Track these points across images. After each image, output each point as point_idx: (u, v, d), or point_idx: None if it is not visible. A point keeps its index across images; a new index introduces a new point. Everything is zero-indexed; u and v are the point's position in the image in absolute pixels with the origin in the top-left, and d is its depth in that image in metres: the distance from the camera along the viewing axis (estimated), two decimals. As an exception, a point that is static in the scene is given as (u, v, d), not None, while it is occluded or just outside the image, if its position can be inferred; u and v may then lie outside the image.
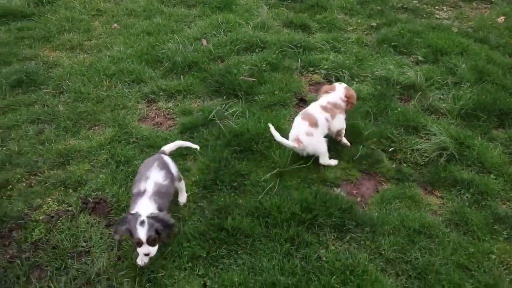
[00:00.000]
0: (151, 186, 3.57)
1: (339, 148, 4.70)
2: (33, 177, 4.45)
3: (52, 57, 6.37)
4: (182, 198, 4.13)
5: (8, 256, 3.74)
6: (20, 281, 3.54)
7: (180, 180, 4.01)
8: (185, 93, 5.49)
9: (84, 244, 3.79)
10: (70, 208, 4.10)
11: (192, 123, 4.95)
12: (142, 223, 3.29)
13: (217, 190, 4.23)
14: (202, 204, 4.12)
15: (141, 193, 3.54)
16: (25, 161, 4.60)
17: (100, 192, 4.23)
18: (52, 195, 4.25)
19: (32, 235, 3.88)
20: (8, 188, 4.33)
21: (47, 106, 5.36)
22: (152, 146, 4.69)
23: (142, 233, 3.27)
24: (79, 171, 4.46)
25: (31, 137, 4.92)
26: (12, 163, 4.59)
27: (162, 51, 6.19)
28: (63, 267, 3.63)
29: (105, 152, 4.63)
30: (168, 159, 3.93)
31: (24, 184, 4.37)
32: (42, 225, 3.96)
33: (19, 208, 4.11)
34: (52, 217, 4.02)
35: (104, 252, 3.72)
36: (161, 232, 3.36)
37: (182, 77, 5.74)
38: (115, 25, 7.14)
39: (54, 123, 5.09)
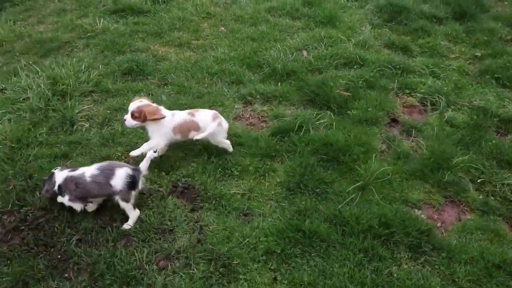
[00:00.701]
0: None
1: (426, 171, 4.69)
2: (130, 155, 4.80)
3: (161, 52, 6.81)
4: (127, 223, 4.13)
5: (101, 222, 4.10)
6: (109, 245, 3.87)
7: (123, 200, 4.04)
8: (281, 99, 5.68)
9: (169, 223, 4.07)
10: (161, 189, 4.41)
11: (284, 128, 5.12)
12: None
13: (300, 194, 4.37)
14: (283, 204, 4.28)
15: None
16: (126, 141, 4.99)
17: (189, 179, 4.51)
18: (146, 175, 4.56)
19: (125, 207, 4.23)
20: (107, 162, 4.73)
21: (151, 94, 5.75)
22: (242, 144, 4.91)
23: None
24: (174, 157, 4.76)
25: (135, 119, 5.31)
26: (115, 142, 4.99)
27: (264, 57, 6.44)
28: (147, 240, 3.93)
29: (199, 143, 4.90)
30: (122, 172, 4.00)
31: (123, 161, 4.73)
32: (135, 200, 4.29)
33: (115, 183, 4.47)
34: (144, 194, 4.34)
35: (186, 233, 3.97)
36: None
37: (279, 83, 5.94)
38: (222, 28, 7.50)
39: (157, 111, 5.45)
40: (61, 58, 6.65)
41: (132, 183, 3.99)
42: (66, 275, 3.69)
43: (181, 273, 3.66)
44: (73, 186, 4.02)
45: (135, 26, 7.56)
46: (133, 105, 4.49)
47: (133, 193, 4.04)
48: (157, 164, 4.64)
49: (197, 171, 4.57)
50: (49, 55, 6.93)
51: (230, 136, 4.96)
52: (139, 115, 4.45)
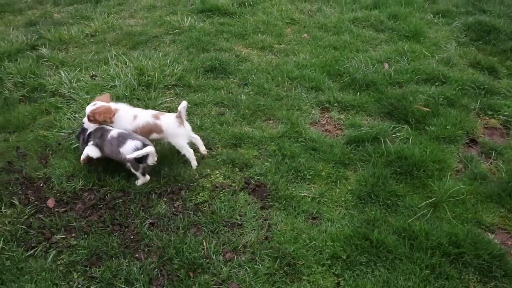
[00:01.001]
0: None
1: (503, 196, 4.55)
2: (207, 150, 4.95)
3: (244, 53, 6.98)
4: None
5: (174, 209, 4.27)
6: (179, 232, 4.02)
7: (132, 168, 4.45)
8: (358, 109, 5.68)
9: (238, 217, 4.17)
10: (233, 184, 4.53)
11: (359, 137, 5.12)
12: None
13: (370, 203, 4.36)
14: (352, 212, 4.28)
15: None
16: (204, 135, 5.14)
17: (262, 177, 4.60)
18: (220, 169, 4.72)
19: (197, 197, 4.39)
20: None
21: (231, 93, 5.91)
22: (316, 149, 4.96)
23: None
24: (248, 155, 4.88)
25: (213, 116, 5.48)
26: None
27: (344, 66, 6.45)
28: (216, 231, 4.05)
29: (274, 144, 4.99)
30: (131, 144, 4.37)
31: (199, 154, 4.89)
32: (207, 192, 4.44)
33: (191, 173, 4.65)
34: (217, 187, 4.48)
35: (254, 229, 4.06)
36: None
37: (358, 93, 5.94)
38: (305, 35, 7.58)
39: (235, 109, 5.60)
40: (149, 51, 6.95)
41: (140, 157, 4.35)
42: (137, 255, 3.86)
43: (246, 267, 3.74)
44: (99, 134, 4.52)
45: (221, 27, 7.79)
46: (88, 110, 4.65)
47: (141, 165, 4.43)
48: (232, 160, 4.78)
49: (270, 171, 4.65)
50: (137, 47, 7.26)
51: (305, 140, 5.04)
52: (93, 118, 4.60)
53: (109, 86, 5.99)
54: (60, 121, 5.48)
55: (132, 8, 9.00)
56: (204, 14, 8.32)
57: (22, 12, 9.23)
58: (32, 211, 4.32)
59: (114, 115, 4.59)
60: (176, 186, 4.51)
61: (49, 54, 7.07)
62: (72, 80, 6.24)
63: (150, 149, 4.35)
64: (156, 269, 3.72)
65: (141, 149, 4.30)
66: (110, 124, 4.65)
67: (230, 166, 4.75)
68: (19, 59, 6.97)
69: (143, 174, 4.51)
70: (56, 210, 4.32)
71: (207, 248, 3.86)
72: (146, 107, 5.51)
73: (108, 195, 4.43)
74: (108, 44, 7.45)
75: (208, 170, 4.69)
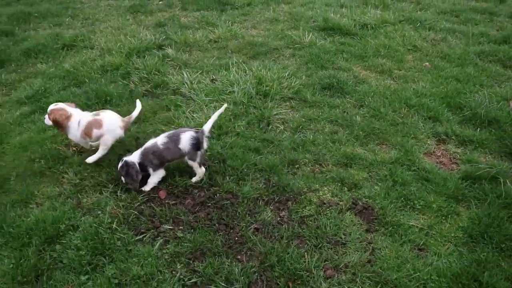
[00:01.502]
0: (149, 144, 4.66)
1: None
2: (317, 165, 4.98)
3: (362, 74, 6.94)
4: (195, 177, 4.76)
5: (279, 218, 4.32)
6: (283, 241, 4.05)
7: (191, 160, 4.64)
8: (477, 145, 5.43)
9: (343, 236, 4.13)
10: (340, 203, 4.49)
11: (476, 174, 4.88)
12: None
13: (482, 244, 4.14)
14: (462, 249, 4.08)
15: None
16: (315, 150, 5.17)
17: (370, 200, 4.52)
18: (329, 186, 4.70)
19: (303, 210, 4.40)
20: (296, 166, 4.95)
21: (346, 113, 5.89)
22: (429, 180, 4.80)
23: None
24: (358, 176, 4.83)
25: (325, 133, 5.49)
26: (304, 148, 5.21)
27: (466, 99, 6.20)
28: (319, 246, 4.03)
29: (385, 169, 4.90)
30: (186, 136, 4.60)
31: (309, 168, 4.93)
32: (314, 206, 4.44)
33: (299, 185, 4.68)
34: (324, 203, 4.47)
35: (357, 251, 3.99)
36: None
37: (478, 129, 5.68)
38: (427, 63, 7.39)
39: (348, 129, 5.58)
40: (268, 62, 7.11)
41: (197, 144, 4.56)
42: (239, 257, 3.93)
43: (346, 286, 3.69)
44: (151, 156, 4.58)
45: (341, 46, 7.81)
46: (49, 108, 4.98)
47: (199, 153, 4.61)
48: (341, 179, 4.76)
49: (379, 195, 4.57)
50: (257, 57, 7.45)
51: (418, 169, 4.91)
52: (50, 115, 4.93)
53: (228, 91, 6.19)
54: (179, 118, 5.74)
55: (255, 20, 9.25)
56: (325, 32, 8.39)
57: (153, 13, 9.84)
58: (145, 199, 4.55)
59: (66, 118, 4.89)
60: (284, 196, 4.56)
61: (173, 55, 7.45)
62: (193, 81, 6.53)
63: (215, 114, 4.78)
64: (256, 274, 3.77)
65: (196, 134, 4.61)
66: (61, 128, 4.98)
67: (339, 184, 4.73)
68: (146, 56, 7.42)
69: (200, 165, 4.67)
70: (166, 201, 4.52)
71: (308, 261, 3.86)
72: (262, 116, 5.64)
73: (217, 195, 4.56)
74: (230, 51, 7.71)
75: (317, 186, 4.70)
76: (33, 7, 10.39)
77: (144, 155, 4.60)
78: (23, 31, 9.19)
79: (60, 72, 7.23)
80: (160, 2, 10.55)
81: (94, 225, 4.20)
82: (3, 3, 10.96)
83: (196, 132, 4.64)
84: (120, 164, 4.58)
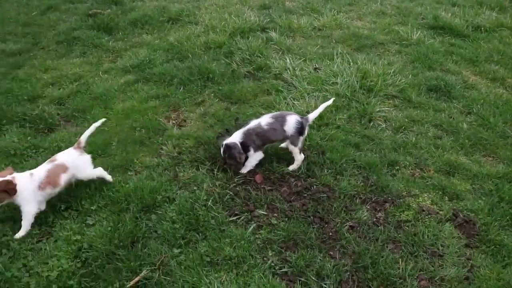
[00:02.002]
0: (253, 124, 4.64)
1: None
2: (418, 170, 4.81)
3: (472, 80, 6.59)
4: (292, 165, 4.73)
5: (375, 219, 4.21)
6: (377, 243, 3.95)
7: (292, 144, 4.61)
8: None
9: (440, 248, 3.96)
10: (440, 212, 4.31)
11: None
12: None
13: None
14: None
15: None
16: (417, 153, 5.01)
17: (472, 214, 4.30)
18: (429, 193, 4.52)
19: (400, 214, 4.27)
20: (396, 168, 4.80)
21: (452, 118, 5.64)
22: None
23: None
24: (460, 187, 4.61)
25: (429, 137, 5.29)
26: (405, 150, 5.06)
27: None
28: (415, 254, 3.89)
29: (491, 183, 4.65)
30: (292, 119, 4.57)
31: (409, 171, 4.77)
32: (412, 212, 4.29)
33: (398, 188, 4.53)
34: (423, 210, 4.31)
35: (454, 265, 3.81)
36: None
37: None
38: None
39: (453, 136, 5.33)
40: (373, 57, 6.92)
41: (300, 129, 4.54)
42: (332, 253, 3.86)
43: (440, 302, 3.56)
44: (254, 136, 4.56)
45: (451, 47, 7.47)
46: None
47: (301, 138, 4.59)
48: (442, 187, 4.56)
49: (482, 210, 4.33)
50: (362, 50, 7.27)
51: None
52: None
53: (331, 82, 6.09)
54: (279, 103, 5.71)
55: (361, 11, 9.02)
56: (434, 30, 8.03)
57: (259, -6, 9.76)
58: (241, 181, 4.57)
59: (15, 185, 3.94)
60: (382, 197, 4.43)
61: (277, 39, 7.41)
62: (296, 68, 6.47)
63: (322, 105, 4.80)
64: (348, 273, 3.69)
65: (301, 119, 4.60)
66: (13, 197, 3.97)
67: (440, 193, 4.53)
68: (250, 37, 7.41)
69: (300, 151, 4.64)
70: (262, 186, 4.51)
71: (403, 268, 3.73)
72: (364, 111, 5.50)
73: (314, 186, 4.51)
74: (334, 41, 7.58)
75: (417, 191, 4.52)
76: (142, -22, 10.66)
77: (246, 135, 4.59)
78: (131, 1, 9.47)
79: (165, 44, 7.40)
80: (266, -16, 10.50)
81: (190, 200, 4.27)
82: (116, -29, 11.32)
83: (301, 118, 4.61)
84: (222, 149, 4.60)
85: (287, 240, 3.94)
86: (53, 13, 9.00)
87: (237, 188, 4.48)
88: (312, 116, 4.70)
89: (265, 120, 4.63)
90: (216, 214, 4.16)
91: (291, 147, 4.63)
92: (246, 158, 4.63)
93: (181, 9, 8.76)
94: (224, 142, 4.59)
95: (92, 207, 4.23)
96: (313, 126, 5.21)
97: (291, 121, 4.55)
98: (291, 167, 4.69)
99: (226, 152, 4.55)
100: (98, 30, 8.08)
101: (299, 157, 4.66)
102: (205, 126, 5.40)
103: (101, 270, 3.67)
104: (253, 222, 4.12)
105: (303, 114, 4.96)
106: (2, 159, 4.90)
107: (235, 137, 4.61)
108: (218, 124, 5.36)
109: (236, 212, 4.22)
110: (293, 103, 5.69)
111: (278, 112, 4.80)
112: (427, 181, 4.65)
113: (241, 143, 4.56)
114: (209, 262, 3.74)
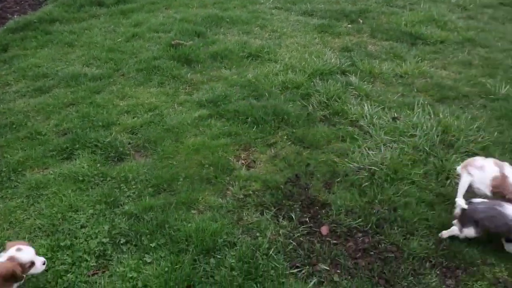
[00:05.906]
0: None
1: None
2: (496, 237, 4.50)
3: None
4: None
5: (444, 286, 3.98)
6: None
7: None
8: None
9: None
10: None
11: None
12: None
13: None
14: None
15: None
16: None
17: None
18: (506, 263, 4.20)
19: (473, 284, 4.01)
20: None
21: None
22: None
23: None
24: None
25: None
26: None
27: None
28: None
29: None
30: None
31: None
32: (486, 282, 4.02)
33: (473, 255, 4.25)
34: (499, 282, 4.02)
35: None
36: None
37: None
38: None
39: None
40: (456, 109, 6.64)
41: None
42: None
43: None
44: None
45: None
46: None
47: None
48: None
49: None
50: (444, 101, 6.99)
51: None
52: None
53: (409, 133, 5.87)
54: (353, 152, 5.57)
55: (447, 59, 8.72)
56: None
57: (340, 36, 9.69)
58: (305, 231, 4.46)
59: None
60: (454, 263, 4.16)
61: (356, 83, 7.28)
62: (374, 116, 6.31)
63: None
64: None
65: None
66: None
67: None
68: (329, 80, 7.33)
69: None
70: (327, 239, 4.38)
71: None
72: (442, 167, 5.26)
73: (382, 244, 4.32)
74: (415, 90, 7.34)
75: (493, 260, 4.22)
76: (225, 12, 10.80)
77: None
78: (214, 34, 9.62)
79: (242, 80, 7.44)
80: (349, 26, 10.41)
81: (252, 247, 4.20)
82: (201, 4, 11.61)
83: None
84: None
85: (351, 300, 3.78)
86: (137, 41, 9.25)
87: (301, 239, 4.38)
88: None
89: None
90: (276, 264, 4.07)
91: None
92: None
93: (262, 45, 8.80)
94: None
95: (151, 244, 4.26)
96: (386, 180, 5.03)
97: None
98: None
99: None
100: (178, 61, 8.21)
101: None
102: (274, 169, 5.34)
103: (154, 312, 3.66)
104: (314, 277, 3.99)
105: (376, 165, 4.80)
106: (70, 185, 5.04)
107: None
108: (288, 168, 5.29)
109: (298, 265, 4.10)
110: (367, 153, 5.53)
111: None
112: (504, 250, 4.33)
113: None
114: (266, 315, 3.65)
